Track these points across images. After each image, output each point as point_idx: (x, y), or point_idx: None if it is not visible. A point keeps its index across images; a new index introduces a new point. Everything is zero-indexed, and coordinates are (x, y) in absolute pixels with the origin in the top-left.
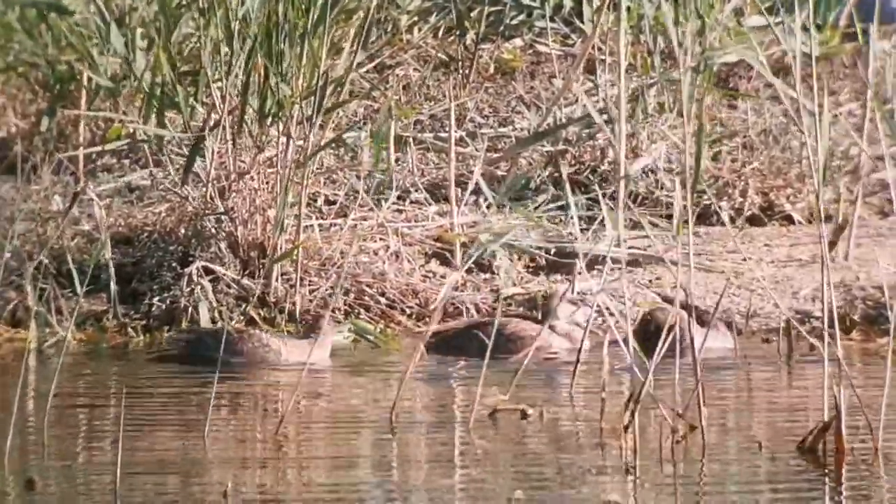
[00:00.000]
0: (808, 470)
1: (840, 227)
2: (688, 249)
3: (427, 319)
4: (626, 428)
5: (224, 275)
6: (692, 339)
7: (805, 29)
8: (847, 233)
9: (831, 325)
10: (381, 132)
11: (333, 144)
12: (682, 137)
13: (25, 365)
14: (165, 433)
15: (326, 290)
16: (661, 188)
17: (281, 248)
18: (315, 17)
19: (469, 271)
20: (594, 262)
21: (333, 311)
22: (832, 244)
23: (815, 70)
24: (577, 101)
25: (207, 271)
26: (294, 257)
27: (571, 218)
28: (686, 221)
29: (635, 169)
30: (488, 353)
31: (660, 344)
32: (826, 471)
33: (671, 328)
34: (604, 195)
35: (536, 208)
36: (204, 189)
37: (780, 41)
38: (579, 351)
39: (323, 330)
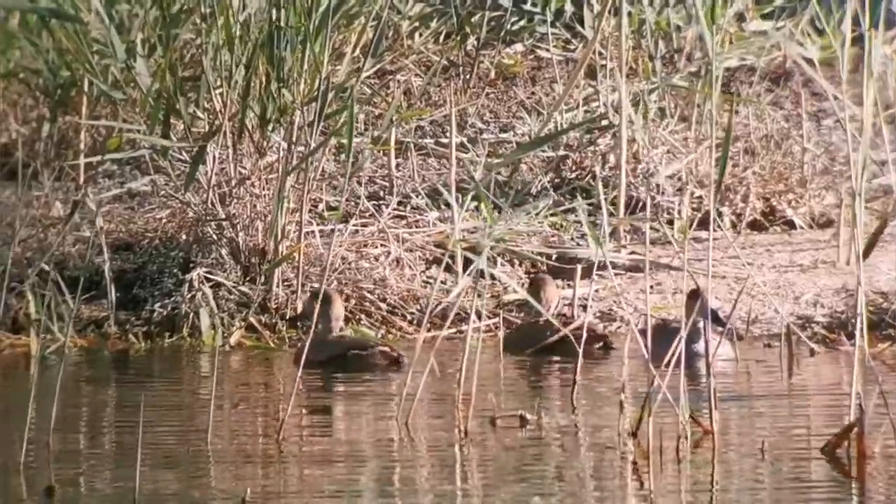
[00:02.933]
0: (829, 474)
1: (876, 233)
2: (704, 256)
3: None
4: (634, 434)
5: (225, 281)
6: (707, 344)
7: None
8: (849, 238)
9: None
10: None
11: (334, 151)
12: (681, 142)
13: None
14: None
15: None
16: (662, 194)
17: (281, 254)
18: (316, 22)
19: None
20: (592, 269)
21: None
22: (868, 250)
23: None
24: (577, 106)
25: (208, 278)
26: (294, 262)
27: (575, 223)
28: (671, 223)
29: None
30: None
31: (671, 350)
32: (848, 475)
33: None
34: (604, 200)
35: (538, 214)
36: (205, 195)
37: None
38: (579, 356)
39: None
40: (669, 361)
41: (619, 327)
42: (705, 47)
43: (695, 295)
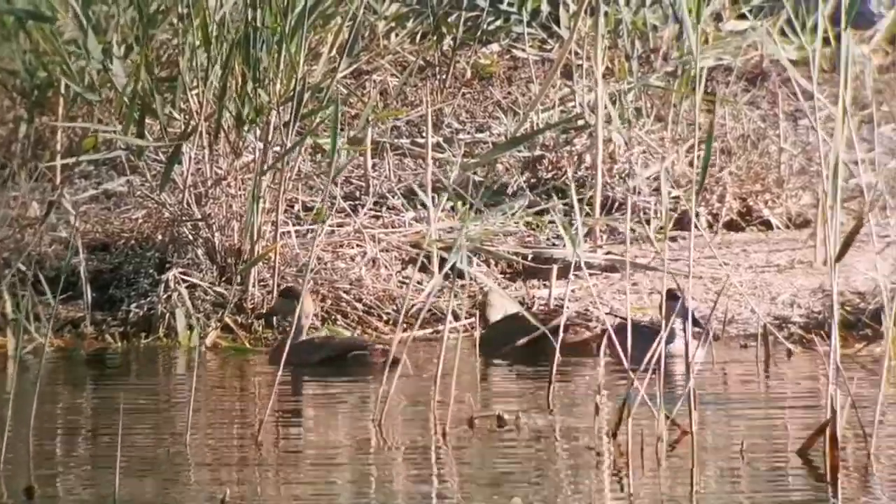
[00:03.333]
0: (804, 474)
1: (852, 232)
2: (680, 256)
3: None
4: (614, 434)
5: (201, 281)
6: (686, 345)
7: (783, 33)
8: (826, 238)
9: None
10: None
11: (310, 151)
12: (658, 142)
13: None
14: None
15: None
16: (638, 194)
17: (257, 255)
18: (292, 22)
19: (446, 277)
20: (568, 269)
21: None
22: (843, 250)
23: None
24: (554, 106)
25: (184, 278)
26: (270, 263)
27: (550, 223)
28: (648, 222)
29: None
30: None
31: (650, 351)
32: (820, 476)
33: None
34: (580, 201)
35: (513, 214)
36: (180, 195)
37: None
38: (554, 357)
39: None
40: (641, 362)
41: (595, 328)
42: (682, 47)
43: (672, 296)
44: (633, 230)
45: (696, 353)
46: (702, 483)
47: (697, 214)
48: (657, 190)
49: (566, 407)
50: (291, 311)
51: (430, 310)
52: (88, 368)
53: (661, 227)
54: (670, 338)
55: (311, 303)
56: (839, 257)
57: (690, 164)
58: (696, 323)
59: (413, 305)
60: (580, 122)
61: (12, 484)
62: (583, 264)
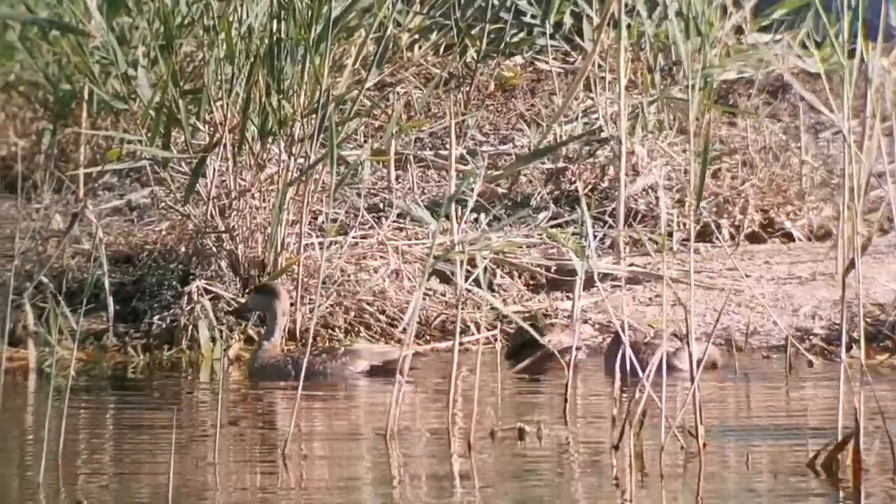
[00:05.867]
0: (825, 488)
1: (863, 245)
2: (701, 268)
3: (427, 337)
4: (616, 447)
5: (224, 293)
6: (690, 356)
7: (804, 46)
8: (847, 250)
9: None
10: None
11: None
12: (680, 154)
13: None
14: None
15: (326, 308)
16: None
17: (281, 267)
18: (317, 34)
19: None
20: (592, 281)
21: (333, 328)
22: (851, 264)
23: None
24: (577, 118)
25: (208, 290)
26: (294, 275)
27: (578, 235)
28: (671, 234)
29: (635, 188)
30: None
31: (650, 364)
32: (844, 489)
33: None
34: (603, 213)
35: (537, 226)
36: (204, 207)
37: (780, 59)
38: (570, 368)
39: None
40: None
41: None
42: (703, 59)
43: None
44: (655, 241)
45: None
46: (709, 497)
47: (719, 227)
48: (680, 202)
49: (584, 420)
50: (265, 309)
51: (452, 321)
52: (112, 385)
53: (660, 236)
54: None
55: (287, 301)
56: (847, 271)
57: (713, 175)
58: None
59: (436, 317)
60: (602, 135)
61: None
62: (596, 277)
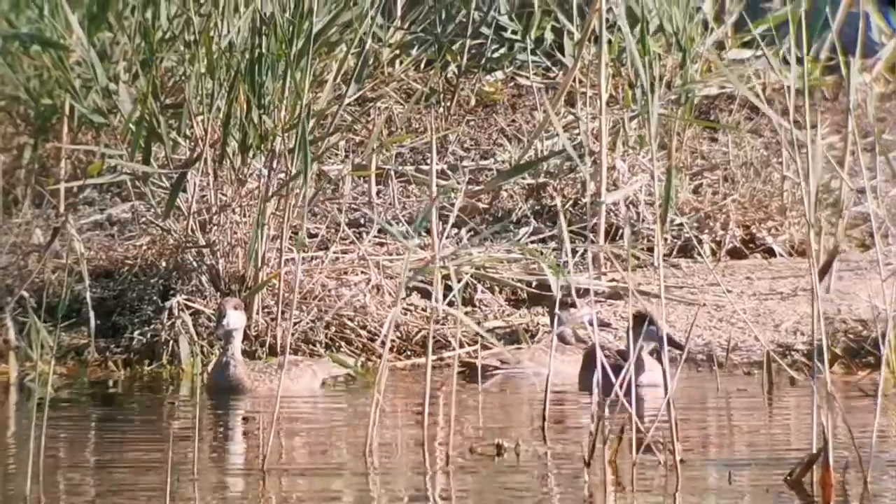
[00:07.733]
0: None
1: (828, 260)
2: (683, 283)
3: (408, 352)
4: (587, 463)
5: (205, 308)
6: (665, 372)
7: (785, 62)
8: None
9: (819, 356)
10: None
11: (315, 178)
12: (661, 169)
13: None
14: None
15: (307, 323)
16: (643, 221)
17: (261, 281)
18: (298, 49)
19: (451, 305)
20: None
21: (314, 344)
22: (822, 274)
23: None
24: (558, 133)
25: (188, 305)
26: (275, 289)
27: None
28: (651, 250)
29: (610, 201)
30: None
31: (619, 378)
32: None
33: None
34: (583, 228)
35: (518, 241)
36: (185, 222)
37: (761, 74)
38: (546, 384)
39: None
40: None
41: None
42: (685, 75)
43: (640, 319)
44: (636, 257)
45: (647, 377)
46: None
47: (700, 242)
48: (660, 217)
49: (560, 435)
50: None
51: (435, 337)
52: (92, 399)
53: (641, 251)
54: (637, 367)
55: (242, 315)
56: (821, 276)
57: (694, 191)
58: (674, 344)
59: (417, 333)
60: (584, 151)
61: None
62: (573, 292)
